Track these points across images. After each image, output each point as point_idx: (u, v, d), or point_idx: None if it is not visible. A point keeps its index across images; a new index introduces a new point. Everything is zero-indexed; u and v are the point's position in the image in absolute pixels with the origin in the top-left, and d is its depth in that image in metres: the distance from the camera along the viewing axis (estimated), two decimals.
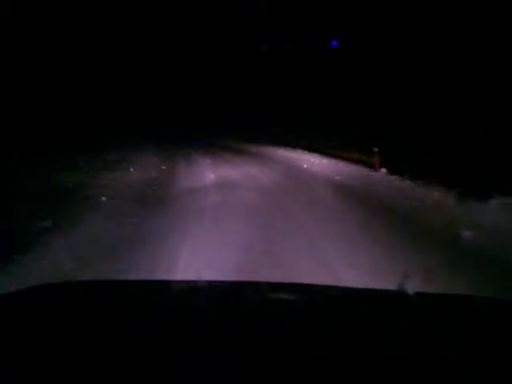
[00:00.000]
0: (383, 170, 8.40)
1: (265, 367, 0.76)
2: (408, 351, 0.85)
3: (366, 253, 3.76)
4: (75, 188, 6.97)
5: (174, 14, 20.94)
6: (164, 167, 10.20)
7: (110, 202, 6.23)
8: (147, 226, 4.86)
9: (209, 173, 8.93)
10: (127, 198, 6.61)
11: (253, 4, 18.21)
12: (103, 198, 6.34)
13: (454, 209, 5.51)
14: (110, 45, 13.44)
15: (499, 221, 4.63)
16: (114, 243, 4.28)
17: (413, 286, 1.13)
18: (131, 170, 9.42)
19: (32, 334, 0.89)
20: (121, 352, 0.82)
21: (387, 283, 1.42)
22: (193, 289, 1.38)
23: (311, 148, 12.81)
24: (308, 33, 17.65)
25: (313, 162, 10.69)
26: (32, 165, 8.13)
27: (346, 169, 9.42)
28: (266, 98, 19.65)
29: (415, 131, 10.19)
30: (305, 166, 10.21)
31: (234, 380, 0.73)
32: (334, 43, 17.16)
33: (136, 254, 3.82)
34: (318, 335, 0.91)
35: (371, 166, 8.81)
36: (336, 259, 3.64)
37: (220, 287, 1.40)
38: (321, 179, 8.22)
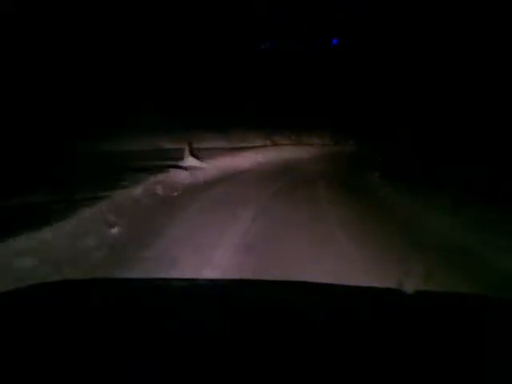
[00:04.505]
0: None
1: (265, 366, 0.76)
2: (408, 349, 0.84)
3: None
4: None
5: (173, 14, 20.94)
6: None
7: None
8: None
9: None
10: None
11: (253, 3, 18.17)
12: None
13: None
14: (110, 42, 13.46)
15: None
16: None
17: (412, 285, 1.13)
18: None
19: (31, 332, 0.88)
20: (120, 351, 0.81)
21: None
22: (193, 287, 1.37)
23: None
24: (308, 33, 17.60)
25: None
26: None
27: None
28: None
29: None
30: None
31: (234, 379, 0.73)
32: (335, 41, 17.14)
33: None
34: (318, 333, 0.90)
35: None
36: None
37: (220, 285, 1.39)
38: None
